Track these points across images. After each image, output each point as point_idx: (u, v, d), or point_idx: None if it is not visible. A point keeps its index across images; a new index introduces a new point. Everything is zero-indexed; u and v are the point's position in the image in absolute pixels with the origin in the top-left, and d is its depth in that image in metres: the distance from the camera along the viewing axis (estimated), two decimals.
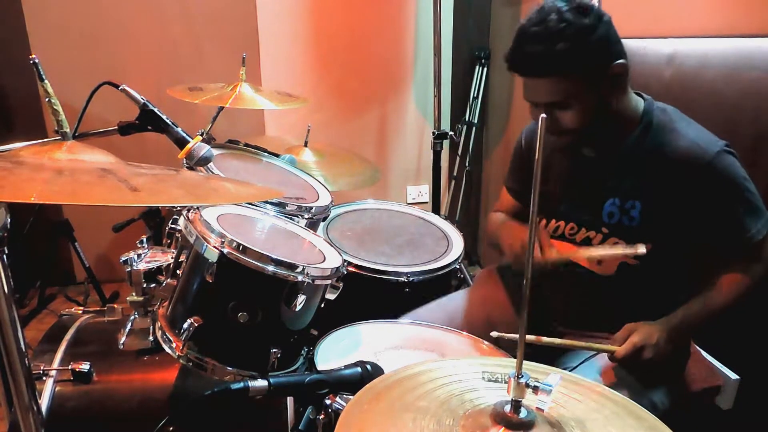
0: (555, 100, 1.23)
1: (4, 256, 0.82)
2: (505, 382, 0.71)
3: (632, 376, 1.25)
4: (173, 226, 1.50)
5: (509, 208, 1.62)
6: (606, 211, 1.33)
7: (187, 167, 1.39)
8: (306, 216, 1.58)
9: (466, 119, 3.17)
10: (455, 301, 1.63)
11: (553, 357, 1.43)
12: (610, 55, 1.22)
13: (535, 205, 0.69)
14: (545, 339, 1.24)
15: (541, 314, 1.50)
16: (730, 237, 1.26)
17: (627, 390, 1.22)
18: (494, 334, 1.25)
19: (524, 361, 0.70)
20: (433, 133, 2.68)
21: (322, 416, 1.03)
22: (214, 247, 1.16)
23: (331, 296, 1.33)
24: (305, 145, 2.30)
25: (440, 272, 1.74)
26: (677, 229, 1.27)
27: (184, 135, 1.39)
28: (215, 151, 1.44)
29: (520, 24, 1.24)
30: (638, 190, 1.28)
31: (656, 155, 1.27)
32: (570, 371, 1.15)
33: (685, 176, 1.23)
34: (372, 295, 1.68)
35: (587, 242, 1.37)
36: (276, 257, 1.17)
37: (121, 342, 1.34)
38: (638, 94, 1.34)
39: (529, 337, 1.17)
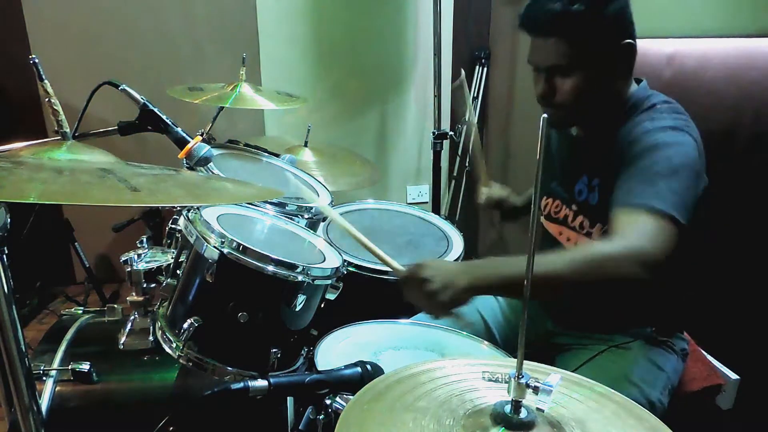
0: (559, 63, 1.21)
1: (4, 256, 0.82)
2: (506, 383, 0.71)
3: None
4: (173, 226, 1.50)
5: None
6: (577, 188, 1.34)
7: (187, 167, 1.39)
8: (306, 216, 1.58)
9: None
10: None
11: (553, 357, 1.44)
12: (621, 31, 1.22)
13: (536, 206, 0.69)
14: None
15: (538, 316, 1.50)
16: (615, 195, 1.15)
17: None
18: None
19: (524, 362, 0.70)
20: (433, 133, 2.68)
21: (322, 416, 1.03)
22: (214, 247, 1.16)
23: (331, 296, 1.33)
24: (305, 145, 2.30)
25: None
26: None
27: (184, 135, 1.39)
28: (215, 151, 1.44)
29: None
30: (599, 168, 1.28)
31: (619, 137, 1.23)
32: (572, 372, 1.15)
33: (626, 150, 1.18)
34: (372, 295, 1.68)
35: (565, 220, 1.37)
36: (276, 257, 1.17)
37: (121, 342, 1.34)
38: (638, 81, 1.31)
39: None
